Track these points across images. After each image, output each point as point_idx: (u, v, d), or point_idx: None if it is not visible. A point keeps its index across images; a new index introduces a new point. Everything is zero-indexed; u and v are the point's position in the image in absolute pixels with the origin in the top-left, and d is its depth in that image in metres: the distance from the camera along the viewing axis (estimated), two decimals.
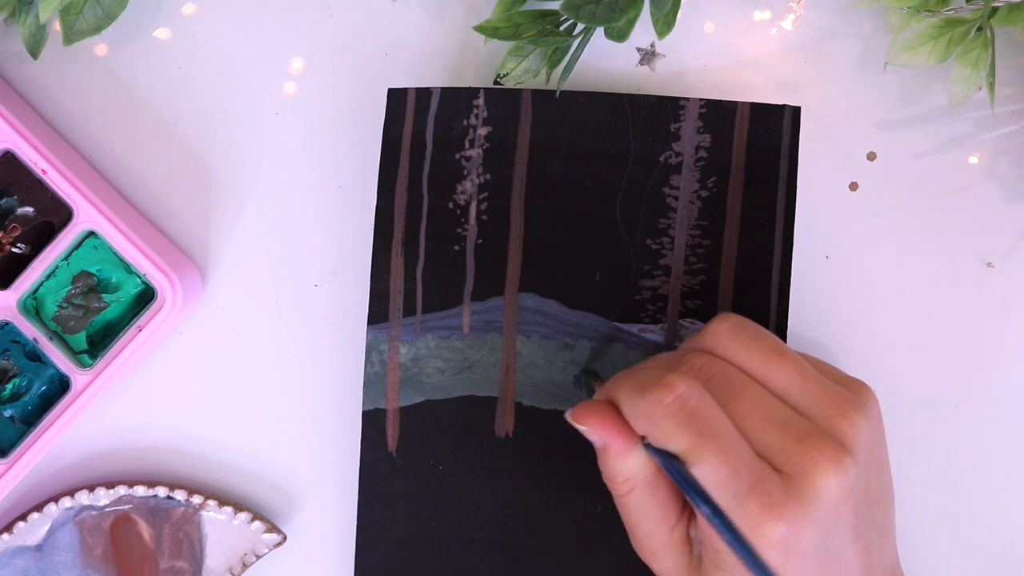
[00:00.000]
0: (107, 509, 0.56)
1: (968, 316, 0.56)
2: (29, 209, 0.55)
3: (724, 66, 0.56)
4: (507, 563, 0.55)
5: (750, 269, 0.54)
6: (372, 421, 0.55)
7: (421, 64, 0.57)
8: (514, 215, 0.55)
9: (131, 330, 0.55)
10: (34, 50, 0.55)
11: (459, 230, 0.55)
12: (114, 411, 0.57)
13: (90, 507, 0.56)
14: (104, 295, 0.55)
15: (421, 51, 0.57)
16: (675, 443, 0.45)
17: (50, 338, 0.55)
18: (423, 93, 0.55)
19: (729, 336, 0.47)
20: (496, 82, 0.55)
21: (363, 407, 0.55)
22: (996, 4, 0.51)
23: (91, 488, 0.56)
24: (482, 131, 0.55)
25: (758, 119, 0.54)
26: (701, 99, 0.55)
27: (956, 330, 0.56)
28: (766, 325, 0.54)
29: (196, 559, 0.56)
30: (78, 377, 0.55)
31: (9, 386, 0.55)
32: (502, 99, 0.55)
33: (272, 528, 0.56)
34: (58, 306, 0.55)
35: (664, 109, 0.55)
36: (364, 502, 0.55)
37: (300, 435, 0.57)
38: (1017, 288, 0.56)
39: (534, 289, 0.55)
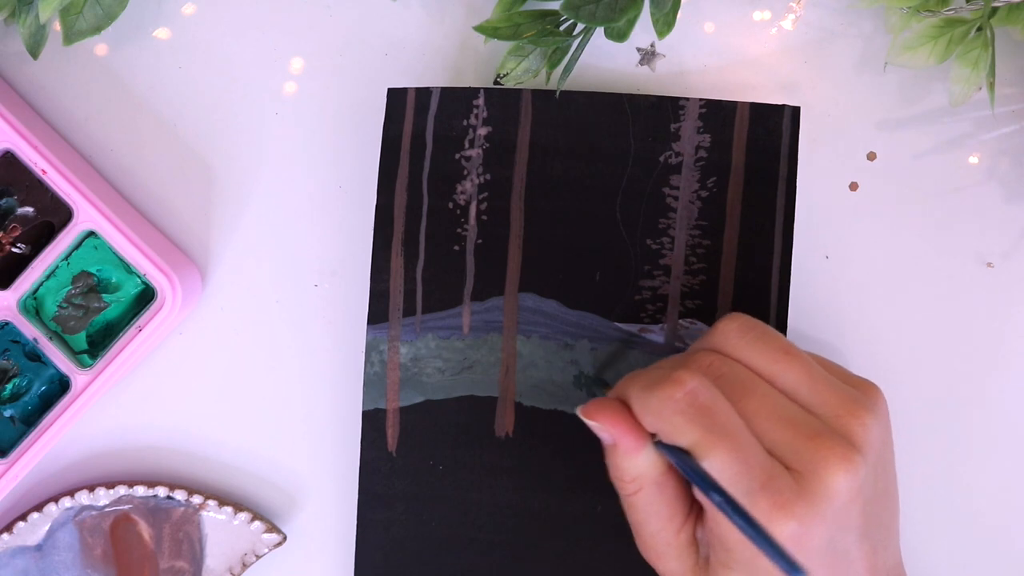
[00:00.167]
0: (107, 509, 0.56)
1: (968, 316, 0.56)
2: (29, 209, 0.55)
3: (724, 66, 0.56)
4: (507, 563, 0.55)
5: (750, 269, 0.54)
6: (372, 421, 0.55)
7: (421, 64, 0.57)
8: (514, 215, 0.55)
9: (131, 330, 0.55)
10: (34, 50, 0.55)
11: (459, 230, 0.55)
12: (114, 411, 0.57)
13: (90, 507, 0.56)
14: (104, 295, 0.55)
15: (421, 51, 0.57)
16: (685, 438, 0.45)
17: (50, 338, 0.55)
18: (423, 93, 0.55)
19: (738, 335, 0.47)
20: (496, 82, 0.55)
21: (363, 407, 0.55)
22: (996, 4, 0.51)
23: (91, 488, 0.56)
24: (482, 131, 0.55)
25: (758, 119, 0.54)
26: (701, 99, 0.55)
27: (956, 330, 0.56)
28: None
29: (196, 559, 0.56)
30: (78, 377, 0.55)
31: (9, 386, 0.55)
32: (502, 99, 0.55)
33: (272, 528, 0.56)
34: (58, 306, 0.55)
35: (664, 109, 0.55)
36: (364, 502, 0.55)
37: (300, 435, 0.57)
38: (1017, 288, 0.56)
39: (534, 289, 0.55)
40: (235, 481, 0.57)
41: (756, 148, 0.54)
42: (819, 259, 0.56)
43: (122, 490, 0.56)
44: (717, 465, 0.44)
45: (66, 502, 0.56)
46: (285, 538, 0.56)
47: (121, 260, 0.55)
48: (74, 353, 0.55)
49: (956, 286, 0.56)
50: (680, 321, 0.55)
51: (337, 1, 0.57)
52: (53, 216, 0.55)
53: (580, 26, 0.53)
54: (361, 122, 0.57)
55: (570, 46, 0.54)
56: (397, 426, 0.55)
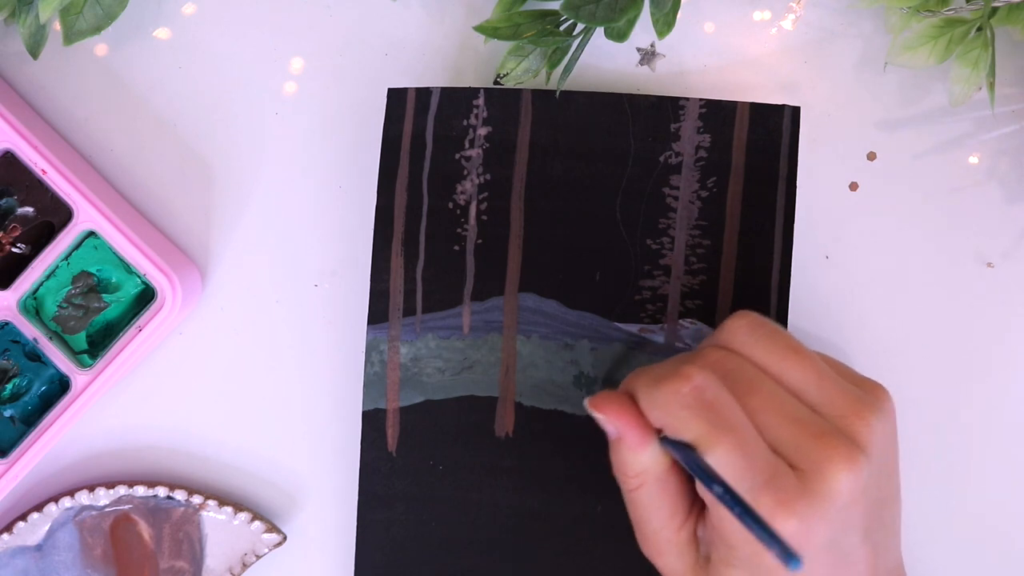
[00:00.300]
0: (107, 509, 0.56)
1: (968, 316, 0.56)
2: (29, 209, 0.55)
3: (724, 66, 0.56)
4: (507, 563, 0.55)
5: (750, 269, 0.54)
6: (372, 421, 0.55)
7: (421, 64, 0.57)
8: (514, 215, 0.55)
9: (131, 330, 0.55)
10: (34, 50, 0.55)
11: (459, 230, 0.55)
12: (114, 411, 0.57)
13: (90, 507, 0.56)
14: (104, 295, 0.55)
15: (421, 51, 0.57)
16: (690, 432, 0.45)
17: (50, 338, 0.55)
18: (423, 93, 0.55)
19: (746, 332, 0.47)
20: (496, 82, 0.55)
21: (363, 407, 0.55)
22: (996, 4, 0.51)
23: (91, 488, 0.56)
24: (482, 131, 0.55)
25: (758, 119, 0.54)
26: (701, 99, 0.55)
27: (956, 330, 0.56)
28: None
29: (196, 559, 0.56)
30: (78, 377, 0.55)
31: (9, 386, 0.55)
32: (502, 99, 0.55)
33: (272, 528, 0.56)
34: (58, 306, 0.55)
35: (664, 109, 0.55)
36: (364, 502, 0.55)
37: (300, 435, 0.57)
38: (1017, 288, 0.56)
39: (534, 289, 0.55)
40: (235, 481, 0.57)
41: (756, 148, 0.54)
42: (819, 259, 0.56)
43: (122, 490, 0.56)
44: (721, 460, 0.44)
45: (66, 502, 0.56)
46: (285, 538, 0.56)
47: (121, 260, 0.55)
48: (74, 353, 0.55)
49: (956, 286, 0.56)
50: (680, 321, 0.55)
51: (337, 1, 0.57)
52: (53, 216, 0.55)
53: (580, 26, 0.53)
54: (361, 122, 0.57)
55: (570, 46, 0.54)
56: (397, 426, 0.55)
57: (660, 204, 0.55)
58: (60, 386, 0.55)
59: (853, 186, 0.56)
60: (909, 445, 0.56)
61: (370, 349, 0.55)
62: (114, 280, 0.55)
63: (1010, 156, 0.56)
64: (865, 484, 0.45)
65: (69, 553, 0.56)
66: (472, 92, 0.55)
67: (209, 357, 0.57)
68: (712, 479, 0.44)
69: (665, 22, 0.53)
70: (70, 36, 0.54)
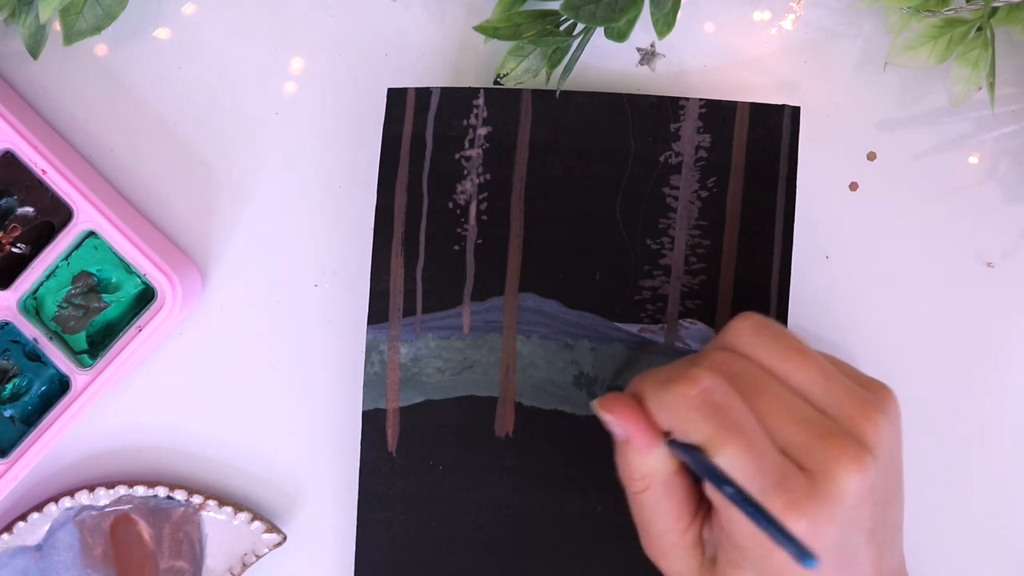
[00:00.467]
0: (107, 509, 0.56)
1: (968, 316, 0.56)
2: (29, 209, 0.55)
3: (724, 66, 0.56)
4: (507, 563, 0.55)
5: (750, 269, 0.54)
6: (372, 421, 0.55)
7: (421, 64, 0.57)
8: (514, 215, 0.55)
9: (131, 330, 0.55)
10: (34, 50, 0.55)
11: (459, 230, 0.55)
12: (114, 411, 0.57)
13: (90, 507, 0.56)
14: (104, 295, 0.55)
15: (421, 51, 0.57)
16: (699, 434, 0.45)
17: (50, 338, 0.55)
18: (423, 93, 0.55)
19: (751, 334, 0.47)
20: (496, 82, 0.55)
21: (363, 407, 0.55)
22: (996, 4, 0.51)
23: (91, 488, 0.56)
24: (482, 131, 0.55)
25: (758, 119, 0.54)
26: (701, 99, 0.55)
27: (956, 330, 0.56)
28: None
29: (196, 559, 0.56)
30: (78, 377, 0.55)
31: (9, 386, 0.55)
32: (502, 99, 0.55)
33: (272, 528, 0.56)
34: (58, 306, 0.55)
35: (664, 109, 0.55)
36: (364, 502, 0.55)
37: (300, 435, 0.57)
38: (1017, 288, 0.56)
39: (534, 289, 0.55)
40: (235, 481, 0.57)
41: (756, 148, 0.54)
42: (819, 259, 0.56)
43: (122, 490, 0.56)
44: (730, 462, 0.44)
45: (66, 502, 0.56)
46: (285, 538, 0.56)
47: (121, 260, 0.55)
48: (74, 353, 0.55)
49: (956, 286, 0.56)
50: (680, 321, 0.55)
51: (337, 1, 0.57)
52: (53, 216, 0.55)
53: (580, 26, 0.53)
54: (361, 122, 0.57)
55: (570, 46, 0.54)
56: (397, 426, 0.55)
57: (660, 204, 0.55)
58: (60, 386, 0.55)
59: (853, 186, 0.56)
60: (910, 445, 0.56)
61: (370, 349, 0.55)
62: (114, 280, 0.55)
63: (1010, 156, 0.56)
64: (872, 485, 0.45)
65: (69, 553, 0.56)
66: (472, 92, 0.55)
67: (209, 357, 0.57)
68: (722, 480, 0.44)
69: (665, 22, 0.53)
70: (70, 36, 0.54)
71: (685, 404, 0.45)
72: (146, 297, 0.55)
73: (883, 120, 0.56)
